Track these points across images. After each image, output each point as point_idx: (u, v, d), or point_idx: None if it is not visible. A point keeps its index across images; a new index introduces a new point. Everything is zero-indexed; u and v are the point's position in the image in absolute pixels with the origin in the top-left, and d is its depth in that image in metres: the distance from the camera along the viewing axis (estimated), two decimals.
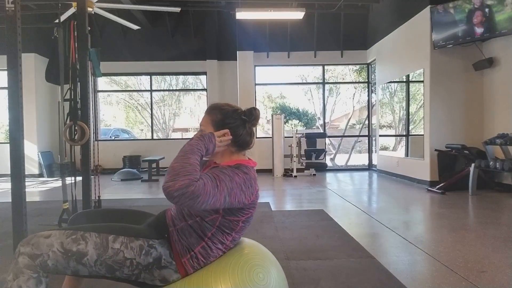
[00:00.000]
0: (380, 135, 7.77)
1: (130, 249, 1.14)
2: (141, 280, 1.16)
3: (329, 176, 7.42)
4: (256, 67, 8.20)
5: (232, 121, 1.25)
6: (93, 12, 4.69)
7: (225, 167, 1.18)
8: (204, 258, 1.19)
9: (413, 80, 6.32)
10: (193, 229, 1.18)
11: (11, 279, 1.07)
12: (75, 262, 1.10)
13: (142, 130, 11.99)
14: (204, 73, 8.57)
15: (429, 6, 5.39)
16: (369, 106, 8.56)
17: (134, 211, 1.47)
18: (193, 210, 1.20)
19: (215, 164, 1.29)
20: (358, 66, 9.65)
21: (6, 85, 2.15)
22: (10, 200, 2.15)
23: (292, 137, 7.57)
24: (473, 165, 4.75)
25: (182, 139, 10.96)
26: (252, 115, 1.27)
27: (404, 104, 6.69)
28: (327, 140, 9.52)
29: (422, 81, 5.72)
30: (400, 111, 7.06)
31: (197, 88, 10.52)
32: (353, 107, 11.70)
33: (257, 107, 8.48)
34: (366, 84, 8.75)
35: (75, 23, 2.98)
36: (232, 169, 1.16)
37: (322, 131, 8.98)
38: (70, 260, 1.10)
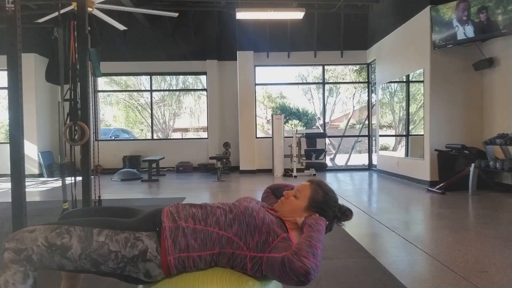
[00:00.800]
0: (380, 135, 7.77)
1: (115, 242, 1.12)
2: (126, 273, 1.13)
3: (329, 176, 7.42)
4: (256, 67, 8.20)
5: (327, 211, 1.30)
6: (92, 12, 4.70)
7: (285, 237, 1.19)
8: (193, 266, 1.16)
9: (413, 80, 6.32)
10: (208, 239, 1.16)
11: None
12: (60, 256, 1.09)
13: (142, 130, 11.98)
14: (204, 73, 8.58)
15: (429, 6, 5.39)
16: (369, 106, 8.56)
17: (126, 208, 1.44)
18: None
19: (274, 212, 1.32)
20: (358, 66, 9.65)
21: (6, 85, 2.15)
22: (10, 200, 2.15)
23: (292, 137, 7.57)
24: (473, 165, 4.74)
25: (182, 139, 10.97)
26: (345, 216, 1.34)
27: (404, 104, 6.68)
28: (327, 140, 9.52)
29: (422, 81, 5.72)
30: (400, 111, 7.06)
31: (197, 88, 10.53)
32: (353, 107, 11.71)
33: (257, 107, 8.43)
34: (366, 84, 8.75)
35: (75, 23, 2.97)
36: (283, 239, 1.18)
37: (322, 131, 8.98)
38: (54, 254, 1.09)
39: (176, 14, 5.53)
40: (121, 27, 5.73)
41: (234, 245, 1.16)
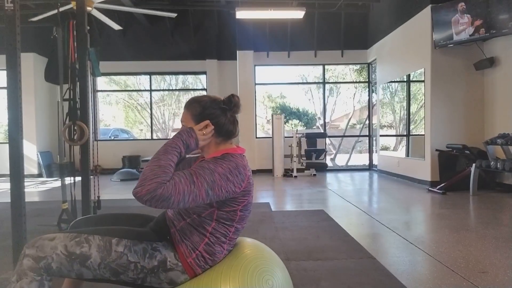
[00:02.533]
0: (380, 135, 7.76)
1: (134, 252, 1.13)
2: (148, 284, 1.15)
3: (329, 176, 7.41)
4: (256, 67, 8.19)
5: (212, 111, 1.22)
6: (91, 11, 4.69)
7: (208, 160, 1.16)
8: (209, 255, 1.18)
9: (413, 79, 6.31)
10: (193, 227, 1.18)
11: (14, 280, 1.08)
12: (79, 265, 1.10)
13: (141, 130, 11.97)
14: (204, 73, 8.57)
15: (430, 5, 5.38)
16: (370, 106, 8.55)
17: (136, 215, 1.46)
18: (177, 209, 1.20)
19: (202, 159, 1.28)
20: (358, 66, 9.64)
21: (5, 85, 2.14)
22: (9, 200, 2.14)
23: (292, 137, 7.56)
24: (474, 165, 4.74)
25: None
26: (231, 103, 1.24)
27: (404, 104, 6.68)
28: (327, 140, 9.51)
29: (423, 81, 5.71)
30: (400, 111, 7.05)
31: (197, 88, 10.52)
32: (354, 107, 11.69)
33: (258, 107, 8.45)
34: (366, 84, 8.74)
35: (74, 22, 2.96)
36: (215, 161, 1.14)
37: (322, 131, 8.96)
38: (73, 262, 1.10)
39: (174, 15, 5.52)
40: (117, 26, 5.71)
41: (210, 213, 1.18)
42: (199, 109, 1.23)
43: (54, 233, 1.16)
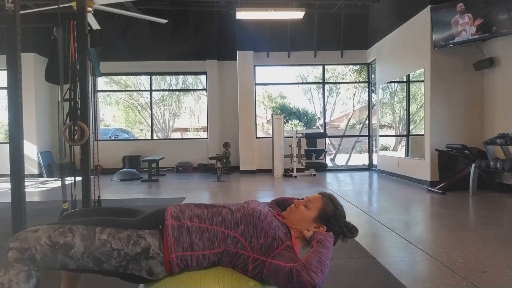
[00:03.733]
0: (380, 135, 7.77)
1: (118, 240, 1.12)
2: (129, 271, 1.14)
3: (329, 176, 7.42)
4: (256, 67, 8.19)
5: (335, 226, 1.33)
6: (92, 12, 4.69)
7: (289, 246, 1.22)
8: (196, 264, 1.17)
9: (413, 80, 6.32)
10: (214, 238, 1.17)
11: (2, 274, 1.07)
12: (63, 254, 1.09)
13: (141, 130, 11.97)
14: (204, 73, 8.57)
15: (429, 6, 5.38)
16: (370, 106, 8.56)
17: (128, 209, 1.45)
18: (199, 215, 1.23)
19: (281, 219, 1.34)
20: (358, 66, 9.64)
21: (6, 85, 2.15)
22: (10, 200, 2.14)
23: (292, 137, 7.56)
24: (473, 165, 4.74)
25: (181, 139, 10.96)
26: (351, 233, 1.37)
27: (404, 104, 6.68)
28: (327, 140, 9.51)
29: (423, 81, 5.71)
30: (400, 111, 7.05)
31: (197, 88, 10.52)
32: (353, 107, 11.70)
33: (258, 107, 8.42)
34: (366, 84, 8.74)
35: (75, 22, 2.97)
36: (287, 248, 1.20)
37: (322, 131, 8.97)
38: (57, 253, 1.09)
39: (164, 21, 5.61)
40: (96, 26, 5.71)
41: (239, 245, 1.17)
42: (330, 212, 1.33)
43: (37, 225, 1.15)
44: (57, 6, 3.05)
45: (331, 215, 1.32)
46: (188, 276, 1.16)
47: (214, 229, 1.18)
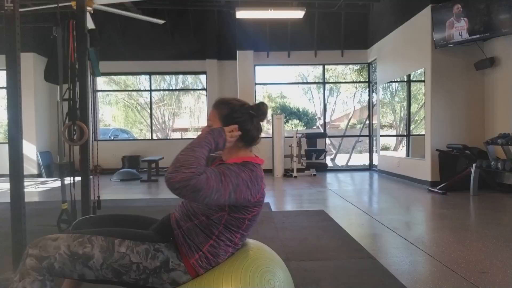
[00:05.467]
0: (381, 135, 7.76)
1: (136, 253, 1.14)
2: (150, 285, 1.15)
3: (329, 176, 7.41)
4: (256, 67, 8.18)
5: (240, 116, 1.24)
6: (92, 12, 4.68)
7: (232, 164, 1.17)
8: (213, 256, 1.18)
9: (414, 79, 6.31)
10: (199, 228, 1.18)
11: (17, 280, 1.08)
12: (81, 265, 1.10)
13: (141, 130, 11.95)
14: (204, 73, 8.56)
15: (430, 5, 5.37)
16: (370, 106, 8.55)
17: (138, 217, 1.47)
18: (198, 204, 1.20)
19: (220, 161, 1.29)
20: (358, 66, 9.63)
21: (5, 85, 2.14)
22: (9, 201, 2.13)
23: (292, 137, 7.55)
24: (474, 165, 4.73)
25: (181, 139, 10.94)
26: (260, 110, 1.26)
27: (405, 103, 6.67)
28: (327, 140, 9.50)
29: (423, 81, 5.70)
30: (401, 111, 7.05)
31: (197, 87, 10.51)
32: (354, 107, 11.68)
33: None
34: (366, 84, 8.73)
35: (74, 22, 2.96)
36: (238, 166, 1.15)
37: (322, 131, 8.96)
38: (76, 263, 1.10)
39: (161, 21, 5.61)
40: (92, 25, 5.71)
41: (220, 218, 1.18)
42: (227, 110, 1.24)
43: (57, 233, 1.16)
44: (56, 6, 3.04)
45: (230, 112, 1.23)
46: (210, 277, 1.17)
47: (195, 223, 1.19)
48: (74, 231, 1.19)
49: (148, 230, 1.30)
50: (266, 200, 4.84)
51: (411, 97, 6.46)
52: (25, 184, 2.23)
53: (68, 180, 3.07)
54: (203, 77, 9.09)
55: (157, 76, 9.65)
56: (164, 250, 1.17)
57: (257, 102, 1.29)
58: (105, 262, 1.11)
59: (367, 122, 8.70)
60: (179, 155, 1.06)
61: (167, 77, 10.85)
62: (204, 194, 1.01)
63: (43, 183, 6.72)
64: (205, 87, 8.73)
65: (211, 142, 1.13)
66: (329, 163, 9.80)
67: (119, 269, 1.12)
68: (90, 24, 5.51)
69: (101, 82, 9.38)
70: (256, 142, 1.29)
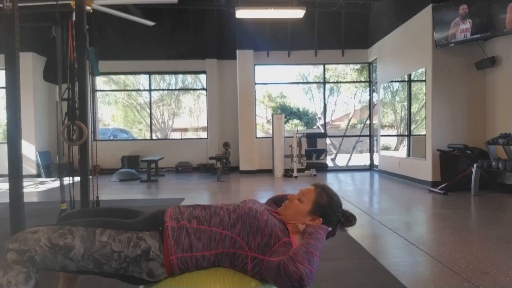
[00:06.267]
0: (381, 135, 7.75)
1: (118, 242, 1.12)
2: (129, 273, 1.14)
3: (330, 176, 7.40)
4: (256, 66, 8.17)
5: (331, 216, 1.31)
6: (91, 11, 4.67)
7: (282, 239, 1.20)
8: (196, 265, 1.17)
9: (415, 79, 6.30)
10: (212, 239, 1.17)
11: (1, 276, 1.07)
12: (63, 256, 1.09)
13: (141, 130, 11.93)
14: (204, 72, 8.55)
15: (430, 5, 5.36)
16: (371, 105, 8.54)
17: (127, 209, 1.45)
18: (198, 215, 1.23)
19: (277, 216, 1.33)
20: (359, 65, 9.62)
21: (4, 85, 2.13)
22: (8, 201, 2.13)
23: (292, 137, 7.54)
24: (475, 165, 4.72)
25: (181, 139, 10.93)
26: (348, 222, 1.35)
27: (405, 103, 6.66)
28: (327, 140, 9.49)
29: (424, 81, 5.69)
30: (401, 111, 7.04)
31: (197, 87, 10.50)
32: (354, 106, 11.68)
33: (258, 107, 8.39)
34: (367, 84, 8.72)
35: (74, 21, 2.95)
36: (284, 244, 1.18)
37: (322, 131, 8.95)
38: (57, 254, 1.09)
39: (152, 23, 5.57)
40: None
41: (237, 245, 1.17)
42: (325, 203, 1.31)
43: (37, 227, 1.15)
44: (55, 4, 3.03)
45: (326, 206, 1.30)
46: (189, 277, 1.16)
47: (212, 230, 1.18)
48: (54, 223, 1.17)
49: (135, 219, 1.28)
50: (265, 199, 4.81)
51: (412, 96, 6.45)
52: (24, 184, 2.22)
53: (67, 180, 3.06)
54: (202, 77, 9.08)
55: (157, 75, 9.64)
56: (147, 239, 1.15)
57: (350, 213, 1.38)
58: (86, 252, 1.10)
59: (368, 122, 8.69)
60: (315, 251, 1.08)
61: (167, 77, 10.83)
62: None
63: (42, 183, 6.71)
64: (205, 87, 8.72)
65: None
66: (330, 163, 9.79)
67: (100, 258, 1.10)
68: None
69: (101, 81, 9.38)
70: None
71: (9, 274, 1.06)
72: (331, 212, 1.30)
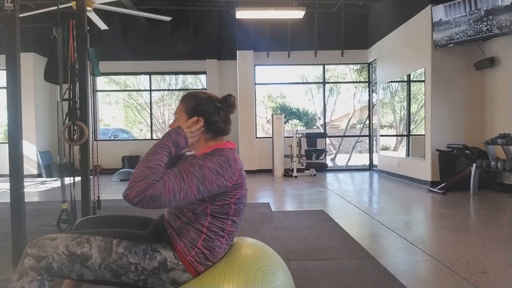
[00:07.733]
0: (381, 135, 7.76)
1: (134, 254, 1.13)
2: (150, 285, 1.15)
3: (329, 176, 7.41)
4: (256, 67, 8.18)
5: (206, 108, 1.23)
6: (91, 11, 4.68)
7: (198, 156, 1.17)
8: (209, 250, 1.17)
9: (414, 79, 6.31)
10: (189, 224, 1.18)
11: (15, 279, 1.08)
12: (80, 265, 1.10)
13: (141, 130, 11.95)
14: (204, 73, 8.56)
15: (430, 5, 5.37)
16: (370, 105, 8.55)
17: (137, 217, 1.47)
18: (172, 208, 1.21)
19: (194, 156, 1.29)
20: (358, 66, 9.63)
21: (5, 85, 2.14)
22: (9, 201, 2.13)
23: (292, 137, 7.55)
24: (474, 165, 4.73)
25: None
26: (226, 102, 1.26)
27: (405, 103, 6.67)
28: (327, 140, 9.50)
29: (423, 81, 5.70)
30: (401, 111, 7.04)
31: (197, 88, 10.50)
32: (354, 106, 11.68)
33: (258, 107, 8.43)
34: (366, 84, 8.73)
35: (74, 22, 2.96)
36: (204, 157, 1.15)
37: (322, 131, 8.96)
38: (74, 263, 1.10)
39: (169, 18, 5.57)
40: (103, 26, 5.70)
41: (204, 209, 1.17)
42: (193, 103, 1.24)
43: (56, 233, 1.16)
44: (56, 5, 3.04)
45: (195, 105, 1.23)
46: (211, 276, 1.16)
47: (183, 219, 1.18)
48: (73, 231, 1.19)
49: (147, 230, 1.30)
50: (266, 200, 4.79)
51: (411, 97, 6.46)
52: (25, 184, 2.23)
53: (68, 180, 3.07)
54: (203, 77, 9.09)
55: (157, 76, 9.64)
56: (161, 250, 1.16)
57: (223, 96, 1.28)
58: (103, 262, 1.11)
59: (367, 122, 8.70)
60: (134, 170, 1.06)
61: (167, 77, 10.84)
62: (166, 198, 1.01)
63: (43, 183, 6.72)
64: (205, 87, 8.72)
65: (169, 145, 1.13)
66: (329, 163, 9.80)
67: (117, 269, 1.12)
68: (102, 25, 5.51)
69: (101, 82, 9.38)
70: (225, 134, 1.30)
71: (23, 280, 1.08)
72: (204, 107, 1.23)
